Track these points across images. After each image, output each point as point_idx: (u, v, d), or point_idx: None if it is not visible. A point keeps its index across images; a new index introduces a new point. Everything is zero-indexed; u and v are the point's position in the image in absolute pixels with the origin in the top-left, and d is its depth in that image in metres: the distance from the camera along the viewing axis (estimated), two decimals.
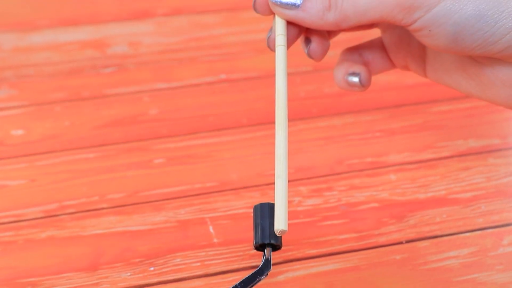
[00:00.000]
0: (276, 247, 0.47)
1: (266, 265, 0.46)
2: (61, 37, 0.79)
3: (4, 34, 0.79)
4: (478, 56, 0.45)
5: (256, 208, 0.48)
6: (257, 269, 0.46)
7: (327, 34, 0.49)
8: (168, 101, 0.69)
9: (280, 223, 0.46)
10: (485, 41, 0.42)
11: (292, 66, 0.64)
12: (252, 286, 0.46)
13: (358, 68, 0.50)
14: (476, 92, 0.47)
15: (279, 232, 0.46)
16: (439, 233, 0.55)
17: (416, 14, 0.42)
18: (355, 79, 0.50)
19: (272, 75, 0.49)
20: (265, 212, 0.47)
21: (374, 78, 0.52)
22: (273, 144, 0.52)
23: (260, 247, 0.48)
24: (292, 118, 0.66)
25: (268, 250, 0.47)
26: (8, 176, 0.61)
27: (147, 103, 0.69)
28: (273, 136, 0.52)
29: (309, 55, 0.48)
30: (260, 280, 0.46)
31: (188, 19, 0.81)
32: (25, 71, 0.73)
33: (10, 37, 0.78)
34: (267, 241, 0.47)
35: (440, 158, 0.62)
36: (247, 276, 0.46)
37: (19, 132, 0.66)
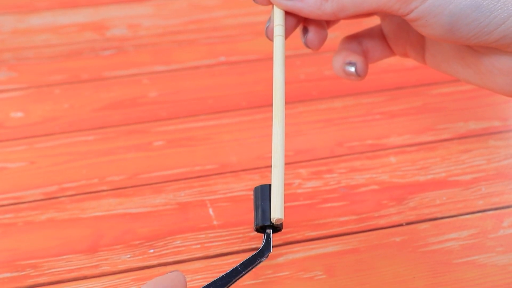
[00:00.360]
0: (276, 229, 0.47)
1: (267, 247, 0.46)
2: (60, 20, 0.78)
3: (3, 16, 0.78)
4: (475, 46, 0.45)
5: (256, 190, 0.48)
6: (257, 251, 0.46)
7: (325, 23, 0.49)
8: (168, 83, 0.69)
9: (276, 212, 0.46)
10: (481, 31, 0.42)
11: (292, 49, 0.64)
12: (253, 267, 0.46)
13: (355, 58, 0.50)
14: (473, 80, 0.47)
15: (275, 220, 0.46)
16: (439, 215, 0.55)
17: (413, 4, 0.42)
18: (352, 69, 0.50)
19: (272, 58, 0.49)
20: (265, 194, 0.47)
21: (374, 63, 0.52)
22: (271, 128, 0.52)
23: (261, 229, 0.48)
24: (292, 100, 0.66)
25: (269, 232, 0.47)
26: (8, 159, 0.61)
27: (146, 86, 0.69)
28: (272, 119, 0.52)
29: (307, 45, 0.49)
30: (260, 262, 0.46)
31: (188, 1, 0.81)
32: (24, 54, 0.73)
33: (9, 19, 0.78)
34: (268, 223, 0.47)
35: (440, 141, 0.62)
36: (247, 258, 0.46)
37: (19, 114, 0.65)
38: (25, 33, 0.76)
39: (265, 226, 0.47)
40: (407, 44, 0.50)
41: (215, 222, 0.55)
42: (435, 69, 0.50)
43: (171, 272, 0.42)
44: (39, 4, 0.80)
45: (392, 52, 0.52)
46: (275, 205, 0.46)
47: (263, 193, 0.48)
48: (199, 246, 0.53)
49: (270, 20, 0.48)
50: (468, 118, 0.64)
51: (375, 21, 0.52)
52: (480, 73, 0.46)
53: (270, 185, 0.48)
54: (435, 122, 0.64)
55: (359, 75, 0.50)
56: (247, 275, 0.46)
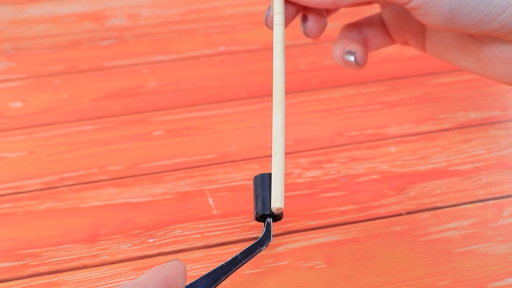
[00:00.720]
0: (276, 218, 0.47)
1: (267, 236, 0.46)
2: (59, 10, 0.78)
3: (2, 7, 0.78)
4: (475, 34, 0.45)
5: (256, 178, 0.48)
6: (257, 240, 0.46)
7: (325, 12, 0.49)
8: (167, 73, 0.69)
9: (276, 201, 0.46)
10: (481, 19, 0.42)
11: (292, 39, 0.64)
12: (253, 256, 0.45)
13: (354, 47, 0.50)
14: (474, 68, 0.47)
15: (276, 209, 0.46)
16: (439, 204, 0.55)
17: None
18: (351, 58, 0.50)
19: (272, 48, 0.48)
20: (265, 182, 0.47)
21: (374, 51, 0.52)
22: (271, 117, 0.52)
23: (261, 218, 0.47)
24: (292, 90, 0.66)
25: (269, 221, 0.47)
26: (7, 148, 0.60)
27: (146, 76, 0.69)
28: (272, 108, 0.52)
29: (306, 33, 0.48)
30: (260, 251, 0.46)
31: None
32: (23, 44, 0.73)
33: (8, 9, 0.78)
34: (268, 211, 0.46)
35: (441, 130, 0.61)
36: (247, 247, 0.46)
37: (18, 104, 0.65)
38: (24, 23, 0.76)
39: (265, 215, 0.47)
40: (407, 32, 0.50)
41: (214, 212, 0.54)
42: (436, 58, 0.50)
43: (171, 261, 0.42)
44: None
45: (392, 40, 0.51)
46: (275, 194, 0.46)
47: (263, 182, 0.47)
48: (198, 235, 0.53)
49: (269, 8, 0.47)
50: (468, 108, 0.64)
51: (375, 9, 0.51)
52: (480, 62, 0.46)
53: (270, 174, 0.48)
54: (435, 111, 0.63)
55: (358, 64, 0.49)
56: (247, 264, 0.46)
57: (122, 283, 0.38)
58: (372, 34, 0.51)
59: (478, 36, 0.45)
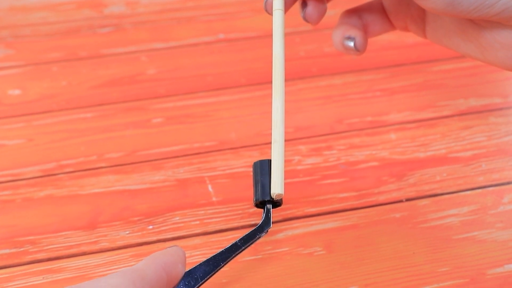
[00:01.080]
0: (276, 204, 0.47)
1: (266, 222, 0.46)
2: None
3: None
4: (476, 19, 0.44)
5: (255, 165, 0.48)
6: (257, 226, 0.46)
7: None
8: (166, 61, 0.69)
9: (276, 187, 0.46)
10: (482, 4, 0.42)
11: (292, 26, 0.64)
12: (252, 243, 0.45)
13: (354, 33, 0.49)
14: (474, 54, 0.47)
15: (276, 195, 0.46)
16: (439, 191, 0.54)
17: None
18: (351, 44, 0.49)
19: (271, 35, 0.48)
20: (265, 169, 0.47)
21: (374, 38, 0.51)
22: (271, 104, 0.52)
23: (260, 204, 0.47)
24: (292, 77, 0.65)
25: (268, 207, 0.47)
26: (6, 136, 0.60)
27: (144, 63, 0.68)
28: (271, 96, 0.52)
29: (305, 19, 0.48)
30: (260, 237, 0.46)
31: None
32: (21, 31, 0.73)
33: None
34: (268, 198, 0.46)
35: (441, 117, 0.61)
36: (247, 233, 0.46)
37: (16, 92, 0.65)
38: (22, 10, 0.76)
39: (265, 201, 0.47)
40: (407, 18, 0.50)
41: (214, 199, 0.54)
42: (436, 43, 0.50)
43: (170, 247, 0.42)
44: None
45: (392, 26, 0.51)
46: (275, 180, 0.46)
47: (262, 168, 0.47)
48: (198, 222, 0.52)
49: None
50: (468, 95, 0.64)
51: None
52: (481, 47, 0.46)
53: (270, 160, 0.48)
54: (436, 99, 0.63)
55: (358, 50, 0.49)
56: (246, 250, 0.46)
57: (121, 269, 0.38)
58: (372, 19, 0.51)
59: (478, 21, 0.45)
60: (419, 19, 0.50)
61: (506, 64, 0.45)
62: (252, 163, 0.49)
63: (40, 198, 0.55)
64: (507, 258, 0.49)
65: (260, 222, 0.46)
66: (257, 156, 0.58)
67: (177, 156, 0.58)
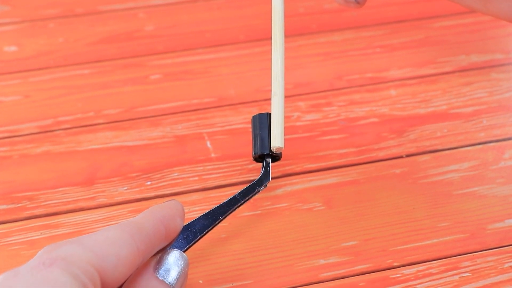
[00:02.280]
0: (275, 158, 0.47)
1: (266, 175, 0.46)
2: None
3: None
4: None
5: (254, 118, 0.48)
6: (256, 179, 0.45)
7: None
8: (164, 17, 0.68)
9: (276, 141, 0.46)
10: None
11: None
12: (251, 197, 0.45)
13: None
14: (478, 7, 0.46)
15: (276, 149, 0.46)
16: (439, 147, 0.54)
17: None
18: None
19: None
20: (264, 122, 0.47)
21: None
22: (270, 60, 0.51)
23: (259, 158, 0.47)
24: (291, 34, 0.65)
25: (268, 161, 0.46)
26: (2, 92, 0.60)
27: (142, 19, 0.67)
28: (270, 52, 0.51)
29: (357, 1, 0.48)
30: (259, 191, 0.46)
31: None
32: None
33: None
34: (267, 151, 0.46)
35: (442, 73, 0.61)
36: (246, 187, 0.45)
37: (12, 48, 0.64)
38: None
39: (264, 155, 0.47)
40: None
41: (213, 155, 0.54)
42: None
43: (168, 200, 0.41)
44: None
45: None
46: (275, 133, 0.46)
47: (261, 122, 0.47)
48: (196, 178, 0.52)
49: None
50: (470, 51, 0.63)
51: None
52: None
53: (269, 113, 0.47)
54: (437, 55, 0.62)
55: (358, 2, 0.49)
56: (245, 206, 0.46)
57: (119, 222, 0.38)
58: None
59: None
60: None
61: (509, 15, 0.45)
62: (251, 117, 0.48)
63: (37, 154, 0.54)
64: (507, 213, 0.49)
65: (259, 176, 0.46)
66: (256, 112, 0.57)
67: (176, 112, 0.57)
